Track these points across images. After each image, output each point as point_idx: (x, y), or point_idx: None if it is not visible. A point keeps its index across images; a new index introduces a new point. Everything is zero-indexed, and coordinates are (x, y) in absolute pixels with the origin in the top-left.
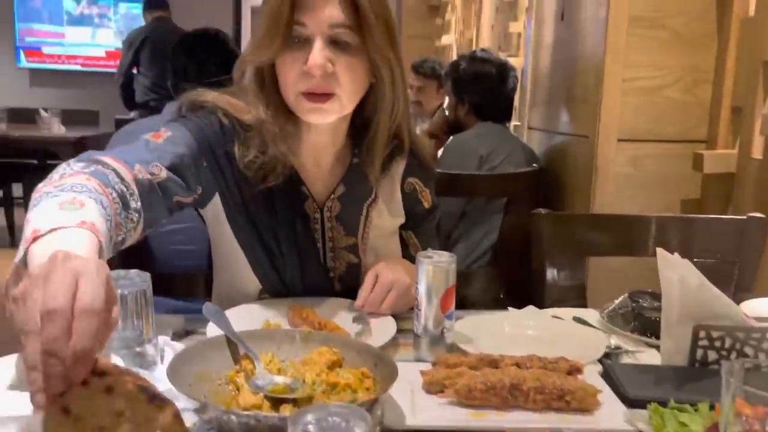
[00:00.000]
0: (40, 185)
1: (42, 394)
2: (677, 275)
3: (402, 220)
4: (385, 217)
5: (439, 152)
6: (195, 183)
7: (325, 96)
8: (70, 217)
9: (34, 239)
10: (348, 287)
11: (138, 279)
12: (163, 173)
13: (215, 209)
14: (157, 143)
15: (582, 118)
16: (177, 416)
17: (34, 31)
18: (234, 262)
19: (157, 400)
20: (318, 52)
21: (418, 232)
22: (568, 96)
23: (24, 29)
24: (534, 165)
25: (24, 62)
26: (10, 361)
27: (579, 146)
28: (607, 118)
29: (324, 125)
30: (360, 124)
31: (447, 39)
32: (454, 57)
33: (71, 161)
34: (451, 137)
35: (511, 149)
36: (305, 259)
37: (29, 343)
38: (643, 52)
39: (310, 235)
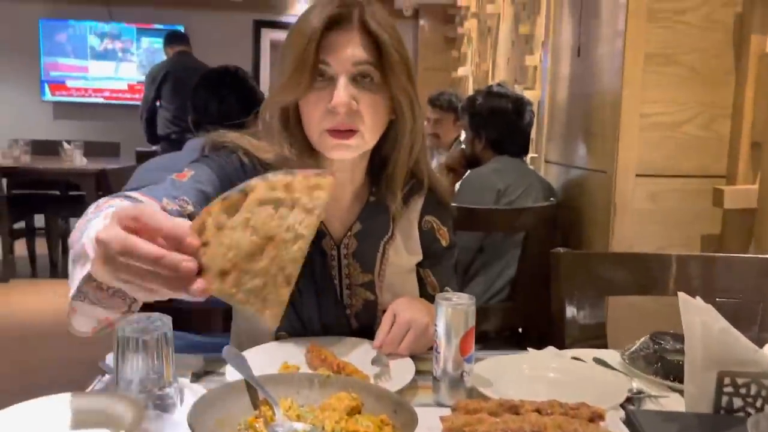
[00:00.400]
0: (80, 221)
1: (193, 285)
2: (700, 320)
3: (419, 257)
4: (402, 255)
5: (456, 186)
6: None
7: (349, 132)
8: None
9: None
10: (365, 325)
11: (159, 322)
12: (190, 207)
13: None
14: (182, 182)
15: (600, 152)
16: (263, 179)
17: (58, 65)
18: None
19: (244, 189)
20: (343, 90)
21: (436, 270)
22: (586, 130)
23: (49, 63)
24: (552, 199)
25: (48, 96)
26: (65, 398)
27: (597, 181)
28: (625, 153)
29: (345, 162)
30: (378, 162)
31: (463, 71)
32: (470, 88)
33: (101, 199)
34: (468, 171)
35: (529, 183)
36: (322, 296)
37: (147, 283)
38: (660, 88)
39: (327, 272)
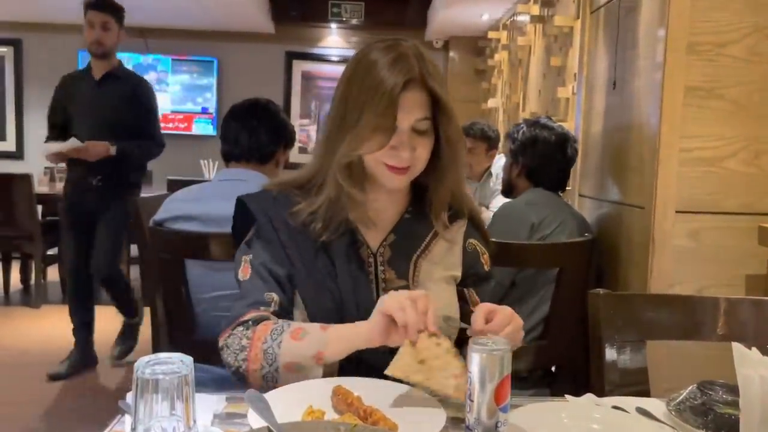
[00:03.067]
0: (253, 349)
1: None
2: (758, 374)
3: (457, 272)
4: (438, 266)
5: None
6: (289, 269)
7: (405, 169)
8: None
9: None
10: None
11: (181, 363)
12: (277, 296)
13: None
14: (252, 282)
15: (637, 187)
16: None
17: None
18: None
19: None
20: (407, 143)
21: (479, 290)
22: (622, 164)
23: None
24: (587, 234)
25: None
26: None
27: (634, 217)
28: (665, 188)
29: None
30: (420, 182)
31: (493, 102)
32: (500, 120)
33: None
34: (502, 204)
35: (564, 218)
36: (361, 299)
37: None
38: (701, 122)
39: (365, 278)
